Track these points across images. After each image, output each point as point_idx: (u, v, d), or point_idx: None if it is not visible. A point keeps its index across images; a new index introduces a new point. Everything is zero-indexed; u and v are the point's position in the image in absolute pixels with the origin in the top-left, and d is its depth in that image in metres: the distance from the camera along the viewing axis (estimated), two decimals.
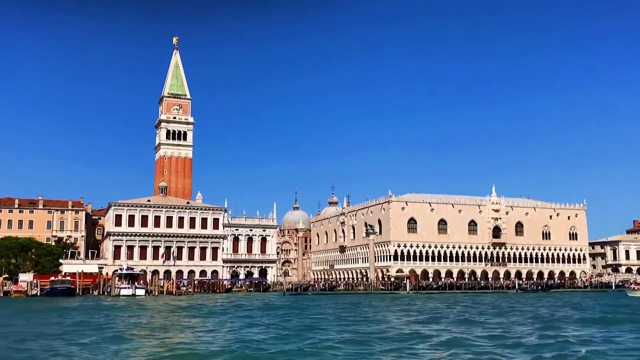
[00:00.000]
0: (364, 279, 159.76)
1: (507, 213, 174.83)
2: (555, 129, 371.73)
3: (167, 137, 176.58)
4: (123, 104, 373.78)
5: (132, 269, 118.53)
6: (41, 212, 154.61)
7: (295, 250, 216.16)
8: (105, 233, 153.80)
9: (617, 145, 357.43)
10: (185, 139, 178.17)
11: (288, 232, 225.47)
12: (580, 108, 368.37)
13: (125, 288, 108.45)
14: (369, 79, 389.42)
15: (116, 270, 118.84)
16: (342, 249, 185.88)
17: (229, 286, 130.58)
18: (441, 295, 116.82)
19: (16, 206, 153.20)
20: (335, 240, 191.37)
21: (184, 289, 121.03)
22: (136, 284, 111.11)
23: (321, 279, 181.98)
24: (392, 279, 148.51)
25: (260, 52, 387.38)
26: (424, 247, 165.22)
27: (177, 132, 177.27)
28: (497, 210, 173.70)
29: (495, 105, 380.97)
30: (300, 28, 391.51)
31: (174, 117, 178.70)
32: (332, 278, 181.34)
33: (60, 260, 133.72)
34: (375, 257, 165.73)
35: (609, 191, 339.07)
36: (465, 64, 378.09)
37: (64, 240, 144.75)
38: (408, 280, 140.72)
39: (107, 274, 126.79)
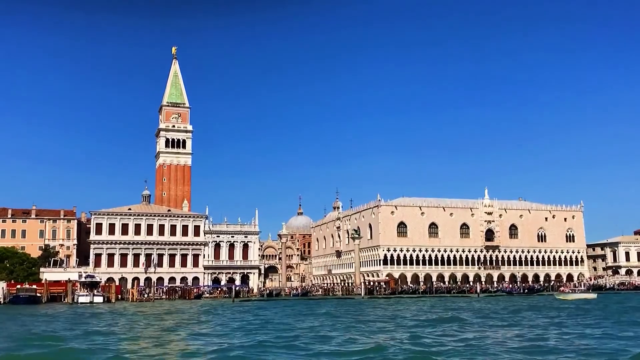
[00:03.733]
0: (346, 284, 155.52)
1: (500, 216, 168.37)
2: (551, 131, 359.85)
3: (167, 146, 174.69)
4: (126, 113, 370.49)
5: (93, 276, 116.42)
6: (34, 222, 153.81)
7: (297, 255, 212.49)
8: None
9: (615, 146, 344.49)
10: (184, 147, 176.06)
11: (292, 237, 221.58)
12: (576, 109, 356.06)
13: (83, 295, 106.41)
14: (367, 82, 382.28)
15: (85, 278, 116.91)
16: (338, 253, 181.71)
17: (197, 293, 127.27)
18: (397, 300, 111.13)
19: (9, 216, 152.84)
20: (333, 245, 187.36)
21: (146, 295, 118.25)
22: (95, 291, 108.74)
23: (300, 285, 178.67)
24: (371, 284, 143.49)
25: (258, 60, 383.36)
26: (414, 251, 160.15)
27: (176, 140, 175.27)
28: (489, 213, 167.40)
29: (490, 107, 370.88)
30: (297, 35, 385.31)
31: (173, 126, 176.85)
32: (329, 283, 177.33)
33: (41, 269, 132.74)
34: (362, 261, 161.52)
35: (610, 192, 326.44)
36: (460, 65, 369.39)
37: (48, 249, 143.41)
38: (363, 285, 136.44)
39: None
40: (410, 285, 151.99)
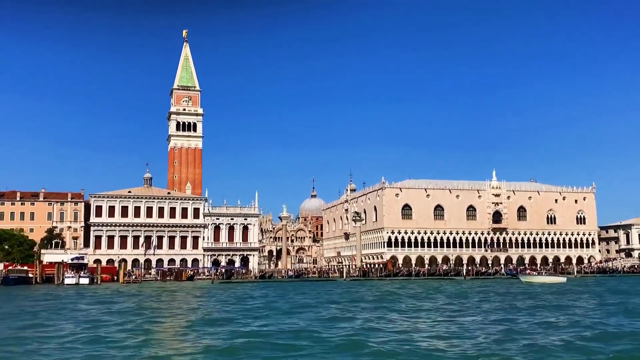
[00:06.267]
0: (344, 266, 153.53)
1: (508, 197, 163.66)
2: (563, 111, 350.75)
3: (178, 129, 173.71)
4: (137, 96, 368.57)
5: (81, 258, 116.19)
6: (42, 204, 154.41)
7: (310, 237, 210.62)
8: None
9: (629, 126, 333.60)
10: (195, 130, 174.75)
11: (304, 219, 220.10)
12: (588, 88, 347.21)
13: (69, 277, 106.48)
14: (379, 65, 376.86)
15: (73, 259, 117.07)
16: (346, 236, 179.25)
17: (189, 274, 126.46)
18: (379, 281, 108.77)
19: (18, 199, 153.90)
20: (342, 227, 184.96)
21: (133, 277, 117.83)
22: (81, 272, 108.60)
23: (294, 268, 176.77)
24: (368, 266, 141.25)
25: (269, 43, 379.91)
26: (419, 233, 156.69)
27: (187, 123, 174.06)
28: (497, 195, 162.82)
29: (501, 88, 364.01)
30: (309, 18, 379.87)
31: (184, 109, 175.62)
32: (338, 264, 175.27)
33: (42, 250, 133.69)
34: (367, 244, 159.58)
35: (623, 173, 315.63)
36: (468, 46, 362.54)
37: (52, 231, 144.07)
38: (345, 267, 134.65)
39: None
40: (416, 267, 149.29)
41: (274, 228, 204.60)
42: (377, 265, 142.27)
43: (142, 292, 76.67)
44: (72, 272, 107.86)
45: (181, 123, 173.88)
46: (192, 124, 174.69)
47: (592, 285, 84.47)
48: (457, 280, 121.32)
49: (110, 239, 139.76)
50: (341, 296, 66.08)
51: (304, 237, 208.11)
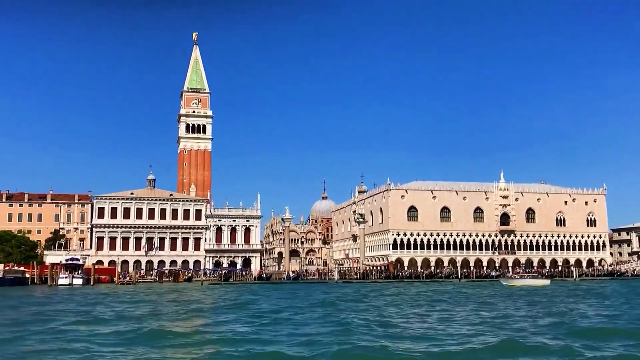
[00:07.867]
0: (342, 268, 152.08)
1: (516, 199, 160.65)
2: (573, 112, 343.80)
3: (187, 131, 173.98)
4: (148, 99, 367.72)
5: (77, 259, 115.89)
6: (49, 206, 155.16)
7: (320, 239, 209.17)
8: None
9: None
10: (204, 132, 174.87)
11: (315, 221, 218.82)
12: (599, 89, 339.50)
13: (63, 277, 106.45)
14: (384, 69, 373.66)
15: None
16: (354, 238, 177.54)
17: (187, 276, 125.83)
18: (371, 283, 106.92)
19: (26, 200, 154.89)
20: (350, 229, 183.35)
21: (127, 278, 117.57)
22: (75, 273, 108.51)
23: (295, 270, 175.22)
24: (369, 268, 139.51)
25: (279, 45, 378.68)
26: (425, 235, 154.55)
27: (196, 125, 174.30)
28: (505, 197, 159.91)
29: (510, 89, 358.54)
30: (318, 21, 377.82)
31: (194, 111, 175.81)
32: (339, 266, 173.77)
33: (45, 252, 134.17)
34: (373, 245, 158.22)
35: (636, 175, 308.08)
36: (476, 47, 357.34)
37: (57, 232, 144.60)
38: (337, 270, 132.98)
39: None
40: (421, 269, 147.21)
41: (283, 230, 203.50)
42: (378, 267, 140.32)
43: (97, 294, 75.59)
44: (66, 273, 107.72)
45: (191, 125, 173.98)
46: (201, 126, 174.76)
47: (581, 289, 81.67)
48: (452, 283, 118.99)
49: (112, 240, 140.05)
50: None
51: (314, 239, 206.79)
